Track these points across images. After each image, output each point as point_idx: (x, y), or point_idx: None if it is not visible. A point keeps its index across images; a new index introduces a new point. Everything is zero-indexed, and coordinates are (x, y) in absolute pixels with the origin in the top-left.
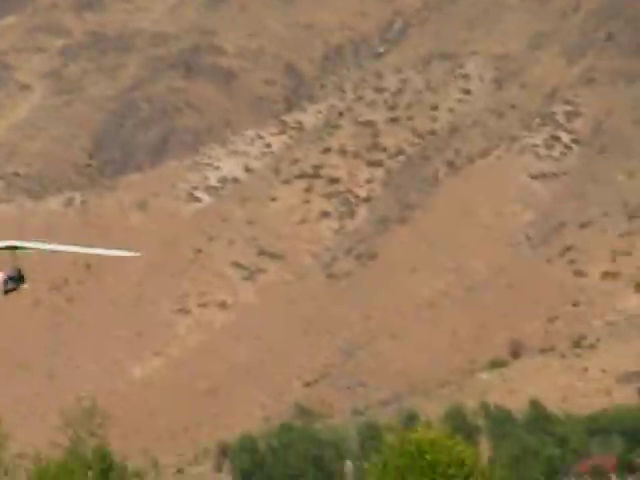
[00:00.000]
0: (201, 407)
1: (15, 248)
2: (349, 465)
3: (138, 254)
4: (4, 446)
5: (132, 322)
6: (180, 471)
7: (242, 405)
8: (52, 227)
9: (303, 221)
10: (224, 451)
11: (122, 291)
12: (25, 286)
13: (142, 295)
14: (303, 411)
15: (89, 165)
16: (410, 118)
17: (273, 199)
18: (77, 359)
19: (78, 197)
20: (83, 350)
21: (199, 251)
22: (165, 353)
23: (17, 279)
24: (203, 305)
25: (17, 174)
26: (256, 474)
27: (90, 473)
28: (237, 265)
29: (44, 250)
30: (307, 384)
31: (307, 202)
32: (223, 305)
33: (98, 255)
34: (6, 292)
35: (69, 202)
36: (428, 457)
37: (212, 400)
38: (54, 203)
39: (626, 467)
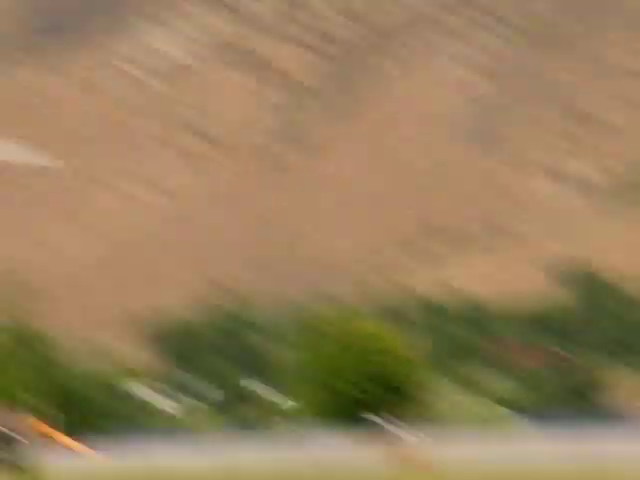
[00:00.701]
0: (137, 291)
1: None
2: None
3: (51, 164)
4: None
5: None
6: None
7: (176, 288)
8: None
9: (250, 110)
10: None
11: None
12: None
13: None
14: (234, 295)
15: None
16: (365, 13)
17: (220, 84)
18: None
19: (22, 74)
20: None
21: (137, 131)
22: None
23: None
24: (138, 185)
25: None
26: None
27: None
28: (181, 149)
29: None
30: (243, 270)
31: (255, 91)
32: (165, 190)
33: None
34: None
35: (12, 78)
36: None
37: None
38: None
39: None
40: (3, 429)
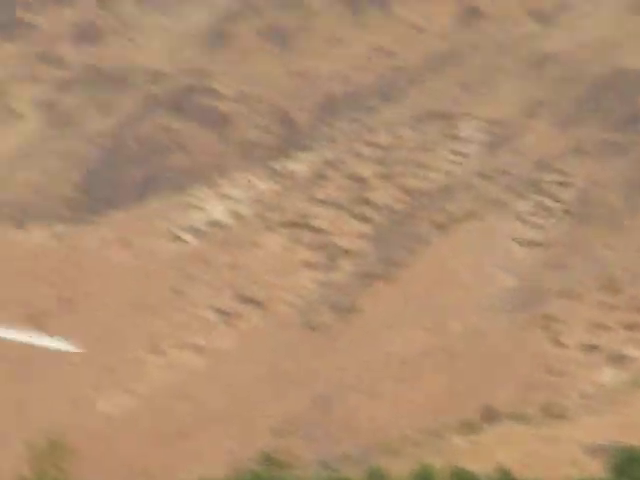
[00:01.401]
0: (168, 450)
1: None
2: None
3: (74, 350)
4: None
5: (103, 358)
6: None
7: (209, 450)
8: (36, 258)
9: (285, 271)
10: None
11: (96, 327)
12: None
13: (116, 331)
14: (269, 459)
15: (75, 199)
16: (400, 175)
17: (257, 246)
18: (46, 390)
19: (62, 230)
20: (52, 381)
21: (178, 292)
22: (135, 391)
23: None
24: (176, 346)
25: (3, 202)
26: None
27: None
28: (215, 309)
29: None
30: (275, 432)
31: (291, 251)
32: (197, 348)
33: (75, 291)
34: None
35: (53, 235)
36: None
37: (179, 443)
38: (38, 234)
39: None
40: None
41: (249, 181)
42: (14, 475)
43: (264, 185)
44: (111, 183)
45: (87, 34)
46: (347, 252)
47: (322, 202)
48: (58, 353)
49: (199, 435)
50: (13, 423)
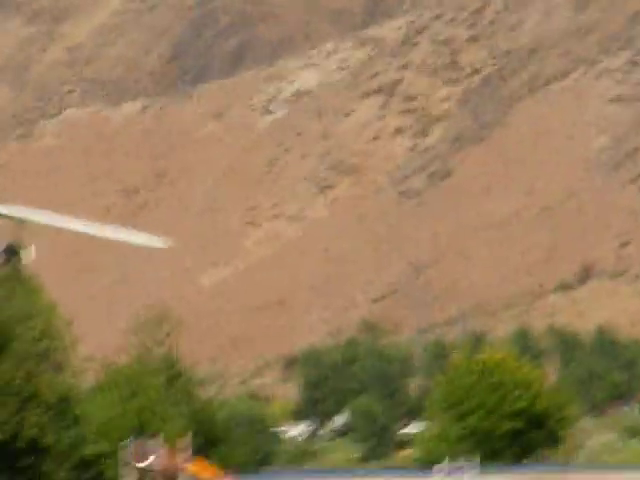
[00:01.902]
0: (267, 319)
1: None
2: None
3: (165, 245)
4: (74, 348)
5: (203, 231)
6: (245, 381)
7: (308, 318)
8: (128, 133)
9: (377, 138)
10: (289, 363)
11: (194, 199)
12: (25, 259)
13: (213, 205)
14: (369, 327)
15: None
16: (490, 37)
17: (348, 114)
18: (148, 265)
19: (155, 104)
20: (154, 256)
21: (272, 163)
22: (234, 263)
23: (9, 252)
24: (273, 217)
25: (95, 79)
26: (321, 388)
27: (158, 379)
28: (310, 179)
29: (51, 225)
30: (374, 300)
31: (382, 118)
32: (293, 218)
33: (169, 165)
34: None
35: (145, 109)
36: (494, 378)
37: (278, 313)
38: (130, 109)
39: None
40: (167, 471)
41: (339, 50)
42: (121, 348)
43: (354, 53)
44: (201, 56)
45: None
46: (438, 117)
47: (412, 68)
48: (158, 226)
49: (298, 305)
50: (119, 297)
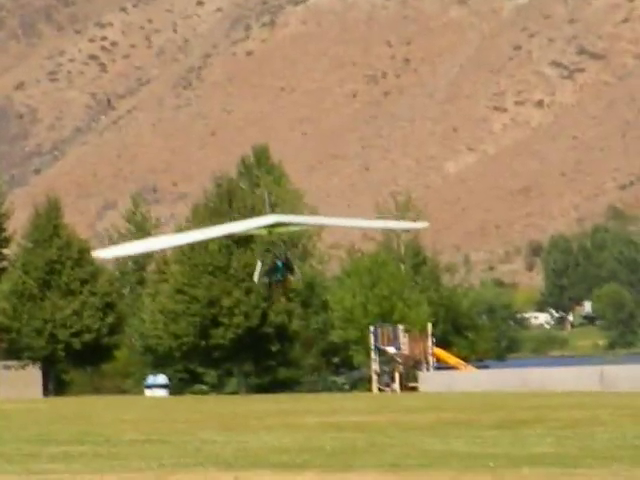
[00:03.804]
0: (513, 206)
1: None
2: None
3: (425, 225)
4: (319, 236)
5: (447, 118)
6: (491, 268)
7: (555, 206)
8: (372, 20)
9: (626, 20)
10: (536, 250)
11: (439, 86)
12: (294, 277)
13: (458, 91)
14: (617, 213)
15: None
16: None
17: None
18: (392, 153)
19: None
20: (398, 144)
21: (518, 48)
22: (479, 150)
23: (283, 268)
24: (520, 103)
25: None
26: (567, 274)
27: (403, 267)
28: (556, 64)
29: (312, 225)
30: (622, 186)
31: (631, 0)
32: (540, 104)
33: (413, 52)
34: (270, 285)
35: None
36: None
37: (524, 199)
38: None
39: None
40: (412, 357)
41: None
42: (366, 235)
43: None
44: None
45: None
46: None
47: None
48: (403, 113)
49: (545, 191)
50: (363, 186)
